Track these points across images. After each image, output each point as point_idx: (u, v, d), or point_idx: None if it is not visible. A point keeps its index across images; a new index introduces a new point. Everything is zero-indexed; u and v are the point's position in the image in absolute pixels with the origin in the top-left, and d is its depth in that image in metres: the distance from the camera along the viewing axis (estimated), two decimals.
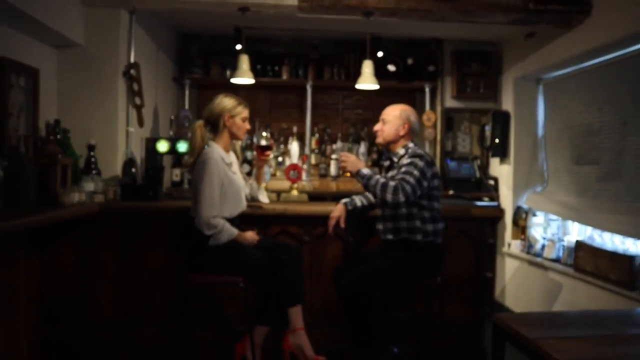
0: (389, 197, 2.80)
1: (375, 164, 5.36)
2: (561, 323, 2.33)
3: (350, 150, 5.41)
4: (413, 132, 3.05)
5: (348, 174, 4.18)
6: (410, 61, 5.34)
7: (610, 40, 3.57)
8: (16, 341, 3.09)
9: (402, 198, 2.80)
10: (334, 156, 5.33)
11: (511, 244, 4.86)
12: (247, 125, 3.08)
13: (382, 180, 2.88)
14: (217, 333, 3.36)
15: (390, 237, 2.97)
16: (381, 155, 5.18)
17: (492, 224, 4.71)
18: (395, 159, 3.03)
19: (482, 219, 3.55)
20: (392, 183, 2.84)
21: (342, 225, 3.15)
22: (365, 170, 2.94)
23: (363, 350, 2.96)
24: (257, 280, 2.93)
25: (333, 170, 5.27)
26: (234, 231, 2.88)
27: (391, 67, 5.26)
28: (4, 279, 2.88)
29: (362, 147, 5.38)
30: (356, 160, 3.02)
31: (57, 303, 3.35)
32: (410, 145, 3.02)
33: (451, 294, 3.40)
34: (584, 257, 3.78)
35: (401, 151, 3.01)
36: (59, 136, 3.40)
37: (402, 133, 3.01)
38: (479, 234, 3.51)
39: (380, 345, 3.04)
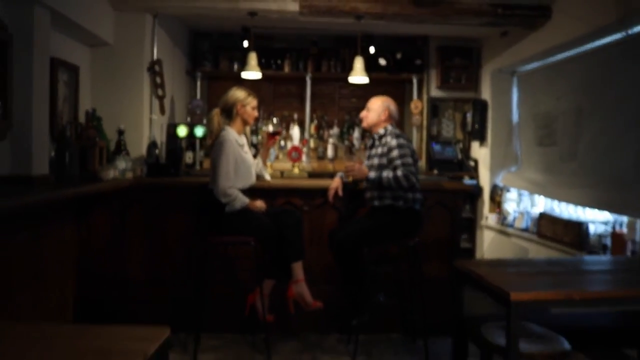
0: (405, 184, 3.40)
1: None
2: (505, 264, 2.96)
3: (344, 137, 6.01)
4: (392, 117, 3.65)
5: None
6: (399, 56, 5.93)
7: (567, 39, 4.16)
8: (64, 294, 3.70)
9: (413, 179, 3.41)
10: (331, 140, 5.93)
11: (488, 217, 5.49)
12: (256, 113, 3.67)
13: (390, 174, 3.45)
14: (231, 288, 3.95)
15: (376, 203, 3.57)
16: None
17: (466, 197, 5.33)
18: (377, 137, 3.64)
19: (455, 191, 4.13)
20: (399, 173, 3.42)
21: (340, 194, 3.76)
22: (372, 174, 3.52)
23: (353, 297, 3.58)
24: (265, 241, 3.52)
25: (330, 152, 5.88)
26: (246, 200, 3.48)
27: (382, 61, 5.86)
28: (55, 239, 3.48)
29: (357, 132, 5.97)
30: (360, 168, 3.61)
31: (93, 264, 3.93)
32: (389, 127, 3.62)
33: (430, 254, 3.99)
34: (545, 225, 4.40)
35: (381, 131, 3.62)
36: (94, 123, 4.00)
37: (383, 118, 3.62)
38: (453, 204, 4.10)
39: (368, 293, 3.65)
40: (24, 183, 3.00)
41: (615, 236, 3.65)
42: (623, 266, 2.99)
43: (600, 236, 3.83)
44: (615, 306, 2.91)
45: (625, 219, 3.71)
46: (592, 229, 3.92)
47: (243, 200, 3.46)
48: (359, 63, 4.83)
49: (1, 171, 2.95)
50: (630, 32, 3.51)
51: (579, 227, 3.94)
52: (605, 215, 4.02)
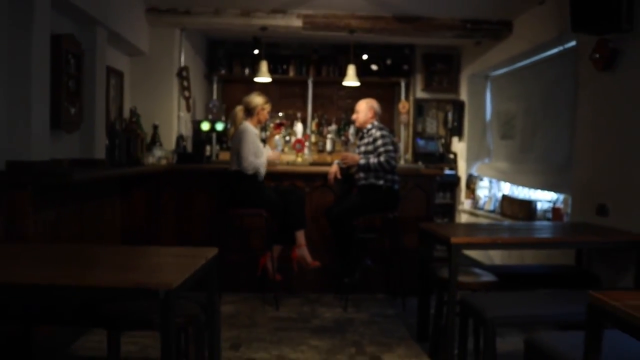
0: (387, 167, 4.29)
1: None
2: (459, 226, 3.85)
3: (341, 133, 6.89)
4: (376, 114, 4.54)
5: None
6: (389, 62, 6.82)
7: (524, 49, 5.05)
8: None
9: (393, 163, 4.30)
10: (329, 136, 6.82)
11: (464, 203, 6.37)
12: (268, 116, 4.57)
13: (376, 160, 4.34)
14: (246, 255, 4.83)
15: (363, 182, 4.46)
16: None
17: (445, 185, 6.19)
18: (365, 131, 4.53)
19: (429, 176, 5.00)
20: (382, 159, 4.32)
21: (339, 176, 4.62)
22: (362, 161, 4.41)
23: (346, 261, 4.47)
24: (274, 213, 4.41)
25: (329, 146, 6.77)
26: (264, 160, 4.34)
27: (374, 67, 6.75)
28: (109, 209, 4.38)
29: (352, 129, 6.85)
30: (352, 156, 4.52)
31: (133, 231, 4.78)
32: (375, 122, 4.51)
33: (409, 228, 4.83)
34: (506, 205, 5.29)
35: (369, 126, 4.51)
36: (135, 119, 4.90)
37: (370, 115, 4.51)
38: (428, 186, 4.97)
39: (359, 257, 4.54)
40: (89, 164, 3.90)
41: (555, 210, 4.54)
42: (548, 228, 3.90)
43: (545, 211, 4.72)
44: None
45: (562, 196, 4.60)
46: (539, 205, 4.80)
47: (262, 163, 4.33)
48: (351, 70, 5.74)
49: (74, 155, 3.84)
50: (565, 46, 4.39)
51: (529, 205, 4.82)
52: (550, 195, 4.90)
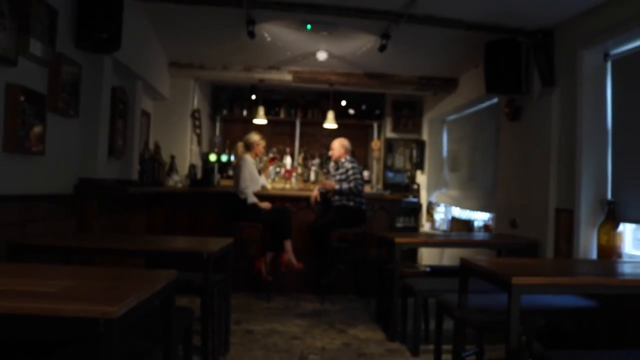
0: (355, 191, 5.56)
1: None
2: (409, 236, 5.11)
3: (323, 166, 8.18)
4: (347, 150, 5.83)
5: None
6: (363, 107, 8.18)
7: (466, 102, 6.41)
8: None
9: (360, 187, 5.58)
10: (313, 168, 8.10)
11: (425, 225, 7.64)
12: (263, 150, 5.85)
13: (347, 186, 5.60)
14: (243, 261, 6.02)
15: (337, 203, 5.71)
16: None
17: (410, 211, 7.44)
18: (340, 164, 5.81)
19: (392, 200, 6.28)
20: (352, 185, 5.58)
21: (319, 199, 5.87)
22: (337, 186, 5.66)
23: (322, 266, 5.70)
24: (267, 226, 5.64)
25: (312, 176, 8.05)
26: (254, 198, 5.59)
27: (351, 111, 8.10)
28: (137, 220, 5.58)
29: (332, 163, 8.12)
30: (330, 182, 5.78)
31: None
32: (347, 157, 5.80)
33: (375, 242, 6.07)
34: (454, 225, 6.57)
35: (342, 160, 5.79)
36: (157, 150, 6.15)
37: (342, 152, 5.80)
38: (391, 209, 6.24)
39: (333, 263, 5.76)
40: (128, 184, 5.12)
41: (486, 226, 5.82)
42: (474, 235, 5.18)
43: (480, 228, 6.00)
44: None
45: (492, 215, 5.90)
46: (476, 223, 6.09)
47: (253, 197, 5.58)
48: (331, 115, 7.09)
49: (117, 176, 5.07)
50: (492, 102, 5.76)
51: (469, 223, 6.11)
52: (484, 215, 6.20)
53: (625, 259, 3.89)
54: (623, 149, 4.00)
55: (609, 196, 4.09)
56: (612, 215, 3.91)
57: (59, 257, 3.52)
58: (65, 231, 3.89)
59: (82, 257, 3.67)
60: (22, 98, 3.26)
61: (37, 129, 3.43)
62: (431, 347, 3.84)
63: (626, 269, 3.17)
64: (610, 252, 3.89)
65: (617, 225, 3.89)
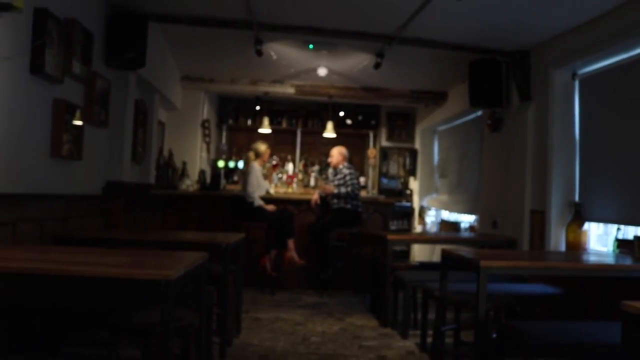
0: (352, 195, 6.09)
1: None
2: (400, 234, 5.65)
3: (322, 172, 8.73)
4: (345, 158, 6.37)
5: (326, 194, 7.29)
6: (360, 117, 8.75)
7: (455, 113, 6.97)
8: None
9: (356, 192, 6.11)
10: (313, 174, 8.65)
11: (417, 227, 8.18)
12: (268, 157, 6.41)
13: (344, 190, 6.14)
14: (249, 258, 6.53)
15: (335, 206, 6.25)
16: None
17: (402, 214, 7.98)
18: (338, 170, 6.35)
19: (385, 204, 6.82)
20: (349, 189, 6.12)
21: (318, 202, 6.41)
22: (335, 190, 6.20)
23: (322, 262, 6.23)
24: (272, 226, 6.17)
25: (312, 182, 8.59)
26: (261, 201, 6.14)
27: (348, 121, 8.67)
28: (153, 221, 6.10)
29: (331, 169, 8.67)
30: (329, 187, 6.31)
31: None
32: (345, 163, 6.34)
33: (369, 242, 6.61)
34: (443, 227, 7.11)
35: (340, 167, 6.34)
36: (171, 157, 6.68)
37: (340, 159, 6.35)
38: (385, 212, 6.78)
39: (332, 260, 6.29)
40: (147, 187, 5.66)
41: (471, 227, 6.37)
42: (458, 236, 5.73)
43: (465, 229, 6.54)
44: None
45: (476, 217, 6.44)
46: (462, 225, 6.63)
47: (259, 200, 6.13)
48: (330, 125, 7.65)
49: (137, 180, 5.60)
50: (477, 114, 6.32)
51: (456, 225, 6.65)
52: (470, 217, 6.74)
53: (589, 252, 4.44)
54: (589, 157, 4.55)
55: (577, 198, 4.63)
56: (579, 215, 4.45)
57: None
58: (96, 227, 4.42)
59: (113, 248, 4.20)
60: (65, 111, 3.80)
61: (76, 138, 3.97)
62: (419, 332, 4.38)
63: (582, 258, 3.72)
64: (577, 248, 4.43)
65: (582, 224, 4.43)
